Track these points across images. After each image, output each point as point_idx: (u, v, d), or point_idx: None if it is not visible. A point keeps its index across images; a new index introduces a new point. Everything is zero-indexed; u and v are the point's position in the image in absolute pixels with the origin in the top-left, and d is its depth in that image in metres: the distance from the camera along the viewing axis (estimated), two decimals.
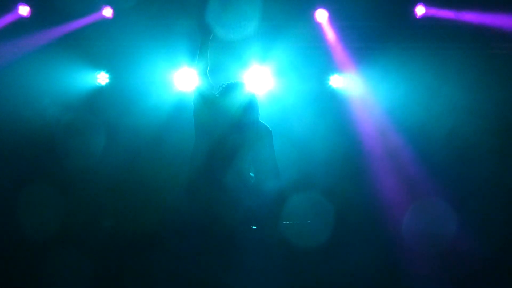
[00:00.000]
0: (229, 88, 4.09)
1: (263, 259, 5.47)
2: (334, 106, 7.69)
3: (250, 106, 4.09)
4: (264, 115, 6.90)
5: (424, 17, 7.34)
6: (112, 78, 7.65)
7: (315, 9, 7.36)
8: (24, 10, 7.21)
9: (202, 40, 4.23)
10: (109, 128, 7.55)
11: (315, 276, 5.54)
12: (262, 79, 7.39)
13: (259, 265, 5.43)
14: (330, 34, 7.48)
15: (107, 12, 7.31)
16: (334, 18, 7.41)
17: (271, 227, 5.63)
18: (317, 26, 7.45)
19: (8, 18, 7.25)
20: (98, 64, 7.61)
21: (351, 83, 7.67)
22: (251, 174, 4.06)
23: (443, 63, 7.60)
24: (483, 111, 7.48)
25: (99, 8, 7.29)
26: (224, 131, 3.98)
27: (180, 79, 7.42)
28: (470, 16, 7.29)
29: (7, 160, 7.33)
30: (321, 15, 7.37)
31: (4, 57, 7.33)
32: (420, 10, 7.28)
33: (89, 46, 7.58)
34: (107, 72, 7.64)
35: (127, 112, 7.55)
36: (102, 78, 7.65)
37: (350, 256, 6.77)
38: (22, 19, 7.26)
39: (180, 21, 7.45)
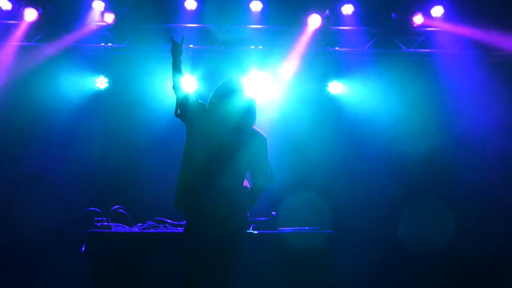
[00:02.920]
0: (229, 92, 4.06)
1: (263, 262, 5.50)
2: (332, 111, 7.77)
3: (248, 110, 4.08)
4: (264, 120, 7.04)
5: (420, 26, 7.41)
6: (111, 82, 7.67)
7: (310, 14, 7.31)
8: (32, 15, 7.13)
9: (173, 57, 4.17)
10: (107, 132, 7.57)
11: (315, 278, 5.54)
12: (262, 85, 7.46)
13: (259, 268, 5.46)
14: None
15: (109, 18, 7.26)
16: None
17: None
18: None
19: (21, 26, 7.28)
20: (97, 68, 7.63)
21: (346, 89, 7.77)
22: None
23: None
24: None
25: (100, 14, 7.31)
26: (223, 135, 3.97)
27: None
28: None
29: (8, 161, 7.36)
30: (314, 21, 7.32)
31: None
32: (418, 19, 7.27)
33: (88, 50, 7.60)
34: (106, 76, 7.66)
35: (126, 117, 7.58)
36: (100, 82, 7.66)
37: (349, 258, 6.84)
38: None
39: (179, 26, 7.53)
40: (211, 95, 4.09)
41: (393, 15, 7.29)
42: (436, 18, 7.44)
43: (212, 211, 3.88)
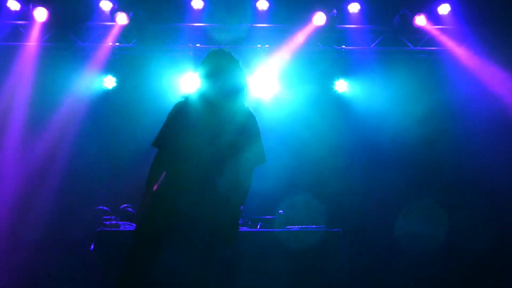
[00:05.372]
0: (234, 92, 3.96)
1: (270, 259, 5.53)
2: (339, 109, 7.78)
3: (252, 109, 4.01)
4: (271, 119, 7.07)
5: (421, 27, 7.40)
6: (119, 82, 7.71)
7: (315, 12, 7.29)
8: (41, 15, 7.13)
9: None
10: (115, 131, 7.60)
11: (322, 275, 5.57)
12: (268, 84, 7.47)
13: (266, 265, 5.48)
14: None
15: (122, 19, 7.23)
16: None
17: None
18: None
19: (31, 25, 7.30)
20: (104, 67, 7.67)
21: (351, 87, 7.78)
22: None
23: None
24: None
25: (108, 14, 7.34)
26: (227, 134, 3.89)
27: (186, 84, 7.49)
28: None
29: (14, 159, 7.41)
30: (319, 19, 7.30)
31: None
32: (420, 20, 7.28)
33: (96, 50, 7.65)
34: (114, 75, 7.70)
35: (133, 116, 7.61)
36: (108, 81, 7.69)
37: (356, 256, 6.85)
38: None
39: (186, 25, 7.56)
40: (206, 76, 3.78)
41: (399, 12, 7.30)
42: (443, 16, 7.45)
43: (206, 210, 3.76)
